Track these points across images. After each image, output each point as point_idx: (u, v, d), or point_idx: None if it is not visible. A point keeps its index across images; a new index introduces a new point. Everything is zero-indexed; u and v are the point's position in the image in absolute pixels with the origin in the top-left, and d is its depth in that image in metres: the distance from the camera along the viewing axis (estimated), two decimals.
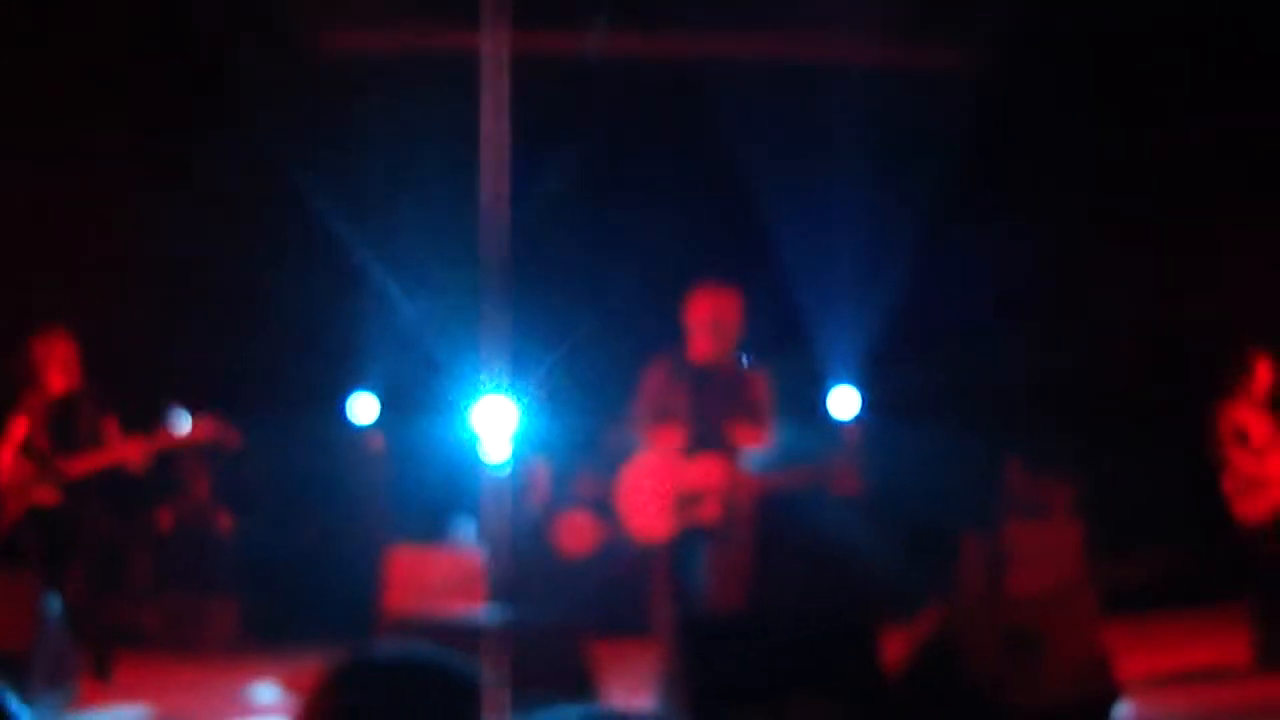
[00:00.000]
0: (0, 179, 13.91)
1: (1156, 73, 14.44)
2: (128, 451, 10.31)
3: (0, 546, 10.80)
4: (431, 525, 14.06)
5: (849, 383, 15.73)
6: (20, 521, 10.50)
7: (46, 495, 10.39)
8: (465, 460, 14.50)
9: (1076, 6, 14.13)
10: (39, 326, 10.68)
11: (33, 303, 11.92)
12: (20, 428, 10.66)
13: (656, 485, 9.33)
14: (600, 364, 14.65)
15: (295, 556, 14.49)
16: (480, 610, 12.29)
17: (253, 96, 14.35)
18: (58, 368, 10.57)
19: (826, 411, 15.66)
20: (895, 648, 8.27)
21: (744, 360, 9.67)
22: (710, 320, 9.44)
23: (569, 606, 11.26)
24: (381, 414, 15.97)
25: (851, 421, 15.54)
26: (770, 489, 9.98)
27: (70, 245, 14.30)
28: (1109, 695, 8.42)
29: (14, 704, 2.39)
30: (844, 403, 15.68)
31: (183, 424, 10.28)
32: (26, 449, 10.59)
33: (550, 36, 14.20)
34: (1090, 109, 14.92)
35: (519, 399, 14.08)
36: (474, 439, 14.16)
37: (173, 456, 12.74)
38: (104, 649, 10.56)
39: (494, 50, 3.31)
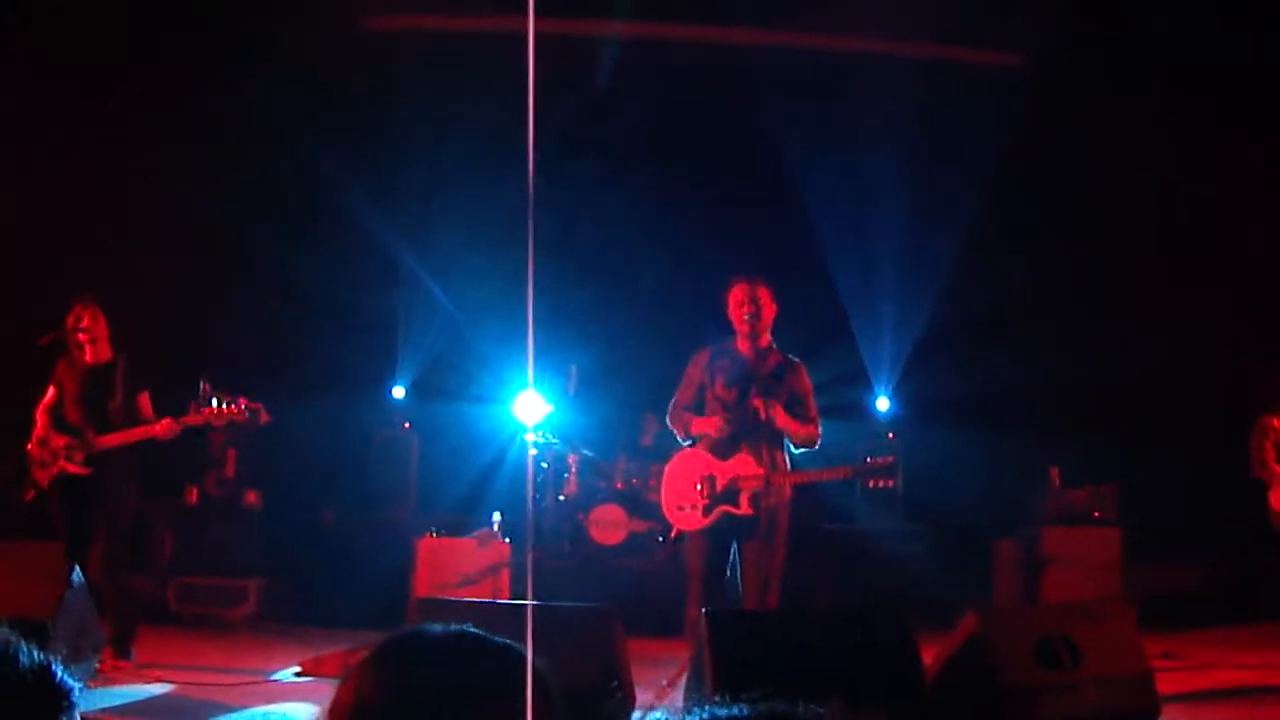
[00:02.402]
0: (48, 161, 13.95)
1: (1204, 85, 14.29)
2: (156, 429, 10.23)
3: (30, 514, 10.79)
4: (461, 515, 13.99)
5: (889, 386, 15.70)
6: (49, 492, 10.45)
7: (76, 467, 10.32)
8: (497, 451, 14.54)
9: (1131, 10, 14.01)
10: (76, 296, 10.62)
11: (74, 280, 11.85)
12: (50, 394, 10.63)
13: (694, 478, 9.27)
14: (636, 356, 14.60)
15: (321, 539, 14.45)
16: (508, 598, 12.26)
17: (296, 83, 14.38)
18: (91, 338, 10.50)
19: (867, 412, 15.61)
20: (928, 653, 8.14)
21: (785, 352, 9.63)
22: (748, 312, 9.42)
23: (599, 597, 11.14)
24: (414, 403, 15.95)
25: (891, 422, 15.47)
26: (808, 483, 9.93)
27: (116, 227, 14.34)
28: (1148, 711, 8.25)
29: (63, 673, 2.28)
30: (884, 405, 15.65)
31: (212, 403, 10.17)
32: (57, 419, 10.54)
33: (594, 24, 14.16)
34: (1136, 116, 14.77)
35: (552, 391, 14.11)
36: (506, 430, 14.20)
37: (203, 433, 12.69)
38: (126, 624, 10.47)
39: (535, 39, 3.16)
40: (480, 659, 2.23)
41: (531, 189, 3.45)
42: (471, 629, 2.28)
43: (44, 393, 10.69)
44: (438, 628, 2.28)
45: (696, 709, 2.09)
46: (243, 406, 10.26)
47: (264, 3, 14.15)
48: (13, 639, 2.30)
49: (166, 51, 14.30)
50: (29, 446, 10.60)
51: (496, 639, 2.28)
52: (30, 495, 10.54)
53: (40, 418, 10.61)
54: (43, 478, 10.45)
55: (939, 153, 14.76)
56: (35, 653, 2.30)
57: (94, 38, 13.98)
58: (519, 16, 3.12)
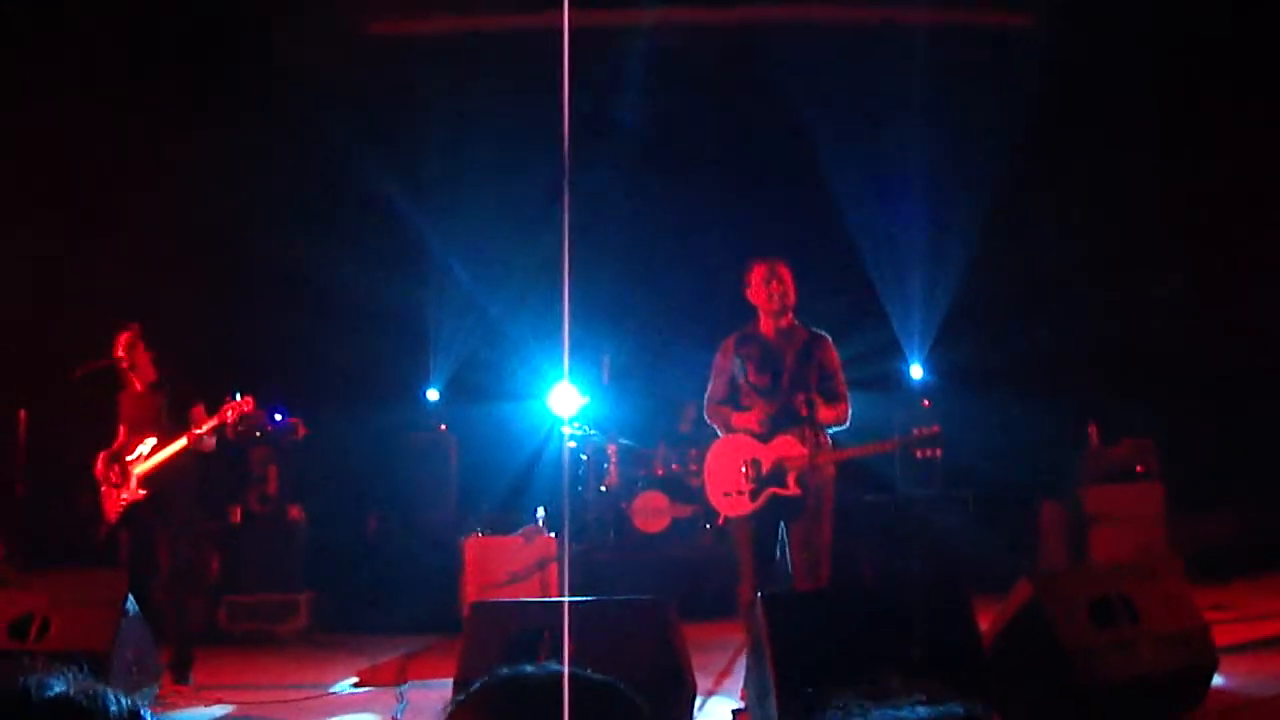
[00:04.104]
0: (78, 179, 14.02)
1: (1239, 48, 14.22)
2: (187, 441, 10.31)
3: (105, 549, 10.90)
4: (504, 513, 14.01)
5: (923, 354, 15.68)
6: (119, 524, 10.56)
7: (133, 494, 10.41)
8: (535, 446, 14.55)
9: None
10: (118, 328, 10.70)
11: (109, 303, 11.94)
12: (121, 435, 10.74)
13: (739, 462, 9.25)
14: (669, 343, 14.60)
15: (367, 548, 14.49)
16: (557, 593, 12.28)
17: (321, 84, 14.41)
18: (131, 366, 10.60)
19: (901, 382, 15.60)
20: (983, 619, 8.13)
21: (809, 327, 9.58)
22: (777, 290, 9.38)
23: (646, 585, 11.14)
24: (449, 405, 15.97)
25: (925, 390, 15.46)
26: (854, 457, 9.90)
27: (144, 246, 14.38)
28: (1206, 664, 8.25)
29: (152, 717, 2.31)
30: (918, 373, 15.64)
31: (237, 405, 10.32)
32: (116, 452, 10.64)
33: (622, 14, 14.17)
34: (1169, 78, 14.71)
35: (587, 382, 14.11)
36: (544, 425, 14.20)
37: (244, 451, 12.76)
38: (185, 647, 10.54)
39: (566, 33, 3.16)
40: (583, 700, 2.21)
41: (566, 181, 3.43)
42: (567, 667, 2.26)
43: (115, 435, 10.81)
44: (530, 669, 2.27)
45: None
46: (280, 419, 10.38)
47: (285, 4, 14.17)
48: (99, 687, 2.31)
49: (187, 60, 14.33)
50: (99, 484, 10.72)
51: (595, 676, 2.27)
52: (103, 530, 10.66)
53: (103, 454, 10.73)
54: (109, 510, 10.57)
55: (966, 118, 14.72)
56: (123, 699, 2.32)
57: (114, 42, 14.02)
58: (549, 13, 3.13)
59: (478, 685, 2.27)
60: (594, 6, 13.55)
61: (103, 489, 10.62)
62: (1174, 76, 14.60)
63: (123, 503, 10.47)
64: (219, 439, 10.56)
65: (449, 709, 2.27)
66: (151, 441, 10.49)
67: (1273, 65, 14.22)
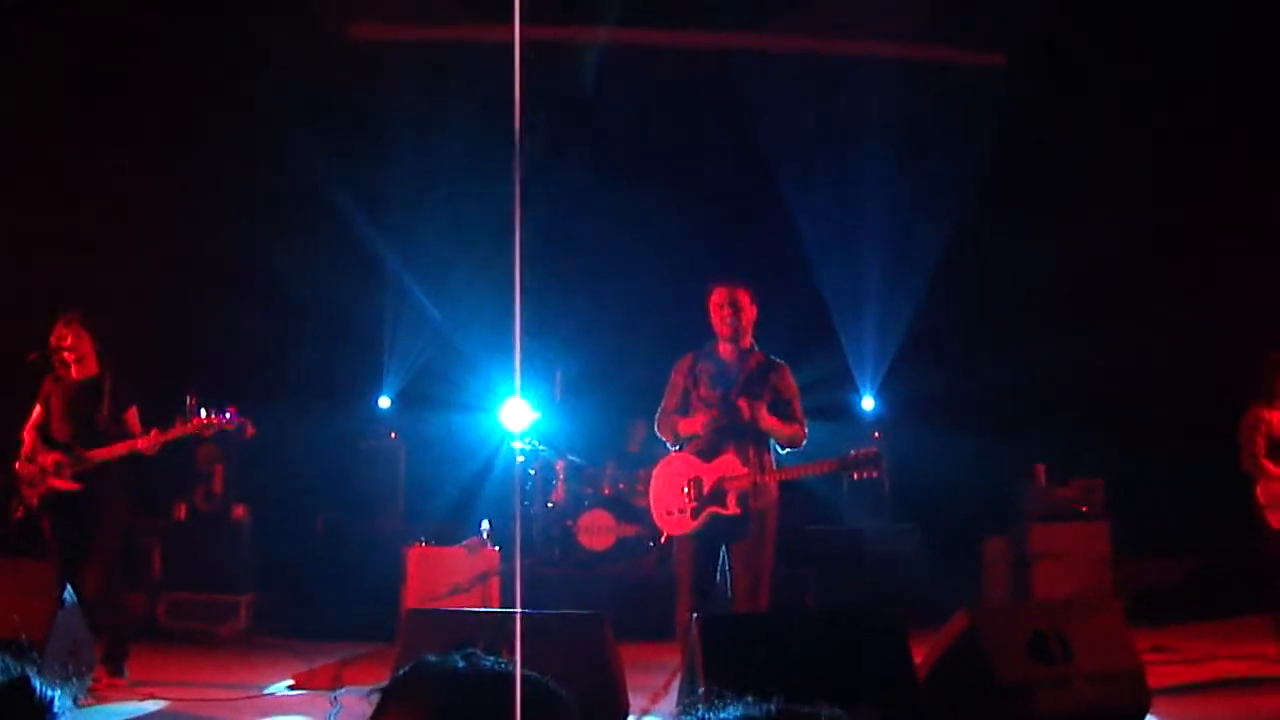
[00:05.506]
0: (30, 170, 13.93)
1: (1192, 75, 14.31)
2: (140, 443, 10.21)
3: (19, 532, 10.78)
4: (450, 524, 13.99)
5: (874, 386, 15.72)
6: (38, 510, 10.43)
7: (65, 483, 10.30)
8: (485, 459, 14.53)
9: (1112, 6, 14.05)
10: (60, 314, 10.60)
11: (57, 293, 11.84)
12: (37, 413, 10.61)
13: (681, 481, 9.26)
14: (622, 361, 14.61)
15: (311, 551, 14.44)
16: (499, 606, 12.26)
17: (281, 89, 14.38)
18: (77, 356, 10.49)
19: (852, 413, 15.63)
20: (919, 651, 8.15)
21: (768, 353, 9.62)
22: (728, 314, 9.42)
23: (589, 603, 11.12)
24: (400, 413, 15.94)
25: (876, 422, 15.49)
26: (795, 482, 9.92)
27: (98, 238, 14.30)
28: (1139, 704, 8.28)
29: (42, 684, 2.29)
30: (869, 405, 15.68)
31: (198, 415, 10.18)
32: (45, 436, 10.52)
33: (580, 31, 14.20)
34: (1122, 112, 14.80)
35: (539, 397, 14.09)
36: (494, 438, 14.18)
37: (189, 448, 12.68)
38: (120, 642, 10.46)
39: (521, 45, 3.18)
40: (513, 693, 2.20)
41: (518, 196, 3.44)
42: (495, 662, 2.25)
43: (30, 411, 10.68)
44: (461, 662, 2.25)
45: (730, 706, 2.08)
46: (229, 415, 10.26)
47: (249, 8, 14.14)
48: None
49: (148, 59, 14.29)
50: (16, 465, 10.58)
51: (526, 673, 2.26)
52: (19, 513, 10.52)
53: (27, 436, 10.60)
54: (31, 495, 10.42)
55: (923, 152, 14.78)
56: (13, 666, 2.31)
57: (73, 45, 13.97)
58: (506, 25, 3.13)
59: (404, 671, 2.25)
60: (557, 23, 13.61)
61: (26, 467, 10.50)
62: (1133, 115, 14.69)
63: (48, 489, 10.35)
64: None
65: (374, 696, 2.25)
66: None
67: (1229, 110, 14.34)
